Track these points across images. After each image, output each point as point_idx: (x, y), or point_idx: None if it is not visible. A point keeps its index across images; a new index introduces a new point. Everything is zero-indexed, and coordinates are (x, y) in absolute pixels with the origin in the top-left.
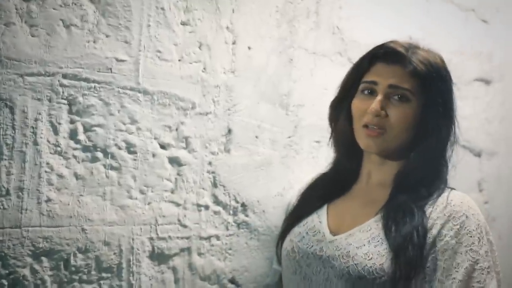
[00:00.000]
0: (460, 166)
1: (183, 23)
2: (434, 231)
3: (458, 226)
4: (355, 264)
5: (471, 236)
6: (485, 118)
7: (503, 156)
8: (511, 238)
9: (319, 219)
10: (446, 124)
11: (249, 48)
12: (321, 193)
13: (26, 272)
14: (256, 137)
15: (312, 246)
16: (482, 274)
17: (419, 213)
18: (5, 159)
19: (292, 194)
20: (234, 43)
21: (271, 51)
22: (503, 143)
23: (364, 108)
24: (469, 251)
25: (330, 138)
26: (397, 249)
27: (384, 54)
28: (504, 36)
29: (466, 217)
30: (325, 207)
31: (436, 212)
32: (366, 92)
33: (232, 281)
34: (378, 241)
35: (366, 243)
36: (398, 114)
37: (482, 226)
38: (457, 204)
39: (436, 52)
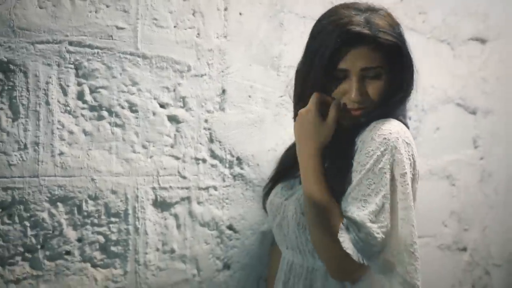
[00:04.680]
0: (455, 123)
1: None
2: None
3: (360, 147)
4: (300, 205)
5: (367, 156)
6: (481, 77)
7: (499, 113)
8: (508, 194)
9: (296, 175)
10: (408, 82)
11: (240, 14)
12: None
13: (45, 215)
14: (249, 96)
15: (283, 197)
16: (368, 188)
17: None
18: (22, 118)
19: (284, 149)
20: (226, 9)
21: (262, 16)
22: (499, 101)
23: (342, 90)
24: (362, 169)
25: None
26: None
27: (349, 39)
28: None
29: (371, 139)
30: None
31: (357, 139)
32: (340, 76)
33: (230, 227)
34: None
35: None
36: (376, 90)
37: (390, 149)
38: (369, 129)
39: (384, 9)
